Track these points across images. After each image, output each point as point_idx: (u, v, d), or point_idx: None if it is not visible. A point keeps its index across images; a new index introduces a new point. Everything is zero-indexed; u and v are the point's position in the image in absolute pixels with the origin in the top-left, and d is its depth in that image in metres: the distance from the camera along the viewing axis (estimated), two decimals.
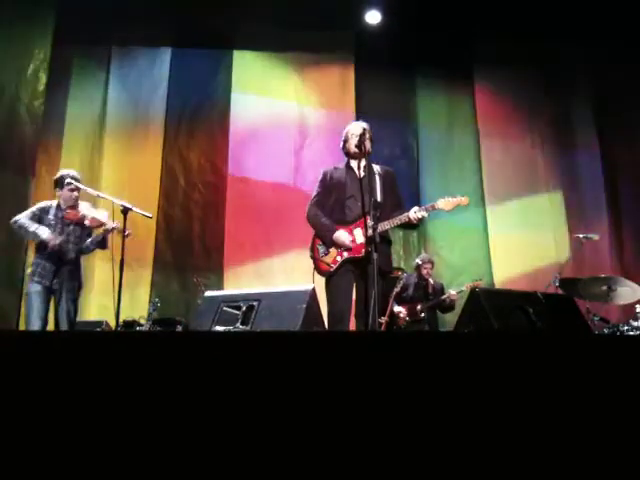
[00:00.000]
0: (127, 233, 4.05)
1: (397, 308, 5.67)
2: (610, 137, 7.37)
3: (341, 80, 7.30)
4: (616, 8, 6.34)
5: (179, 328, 5.48)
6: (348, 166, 3.85)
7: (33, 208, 4.37)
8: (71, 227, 4.30)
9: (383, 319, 5.12)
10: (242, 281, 6.55)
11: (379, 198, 3.64)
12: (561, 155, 7.38)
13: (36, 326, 4.11)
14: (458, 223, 6.76)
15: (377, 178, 3.73)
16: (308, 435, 1.68)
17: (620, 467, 1.68)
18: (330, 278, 3.67)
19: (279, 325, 2.76)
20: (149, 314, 5.62)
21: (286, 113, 7.21)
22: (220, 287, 6.39)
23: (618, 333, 4.57)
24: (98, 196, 4.41)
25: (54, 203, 4.38)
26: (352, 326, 3.70)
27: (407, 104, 7.47)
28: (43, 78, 6.33)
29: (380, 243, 3.39)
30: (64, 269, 4.27)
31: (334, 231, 3.67)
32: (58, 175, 4.42)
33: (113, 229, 4.22)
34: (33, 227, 4.21)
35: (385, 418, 1.70)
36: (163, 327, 5.47)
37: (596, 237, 5.49)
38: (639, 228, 7.06)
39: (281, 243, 6.74)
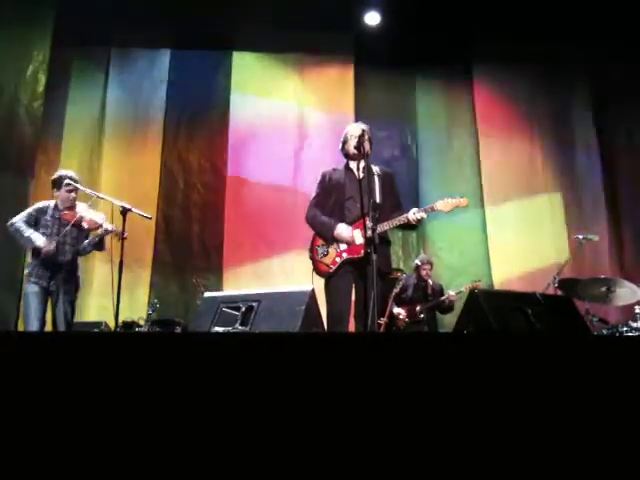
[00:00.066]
0: (124, 236, 4.05)
1: (396, 309, 5.67)
2: (610, 137, 7.37)
3: (340, 81, 7.31)
4: (616, 8, 6.34)
5: (178, 329, 5.48)
6: (347, 167, 3.85)
7: (30, 209, 4.36)
8: (68, 228, 4.29)
9: (382, 320, 5.12)
10: (241, 282, 6.54)
11: (378, 199, 3.65)
12: (560, 155, 7.37)
13: (34, 327, 4.10)
14: (457, 224, 6.76)
15: (376, 179, 3.74)
16: (308, 436, 1.68)
17: (620, 467, 1.68)
18: (329, 279, 3.68)
19: (278, 326, 2.76)
20: (148, 315, 5.62)
21: (285, 114, 7.21)
22: (219, 288, 6.38)
23: (617, 334, 4.57)
24: (97, 197, 4.42)
25: (52, 203, 4.37)
26: (351, 327, 3.70)
27: (406, 105, 7.47)
28: (42, 79, 6.33)
29: (379, 244, 3.38)
30: (61, 270, 4.27)
31: (335, 228, 3.67)
32: (56, 176, 4.41)
33: (110, 231, 4.22)
34: (28, 232, 4.20)
35: (385, 419, 1.70)
36: (162, 328, 5.46)
37: (595, 238, 5.50)
38: (639, 229, 7.06)
39: (280, 244, 6.74)
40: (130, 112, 7.06)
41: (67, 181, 4.30)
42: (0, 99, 6.17)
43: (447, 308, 5.83)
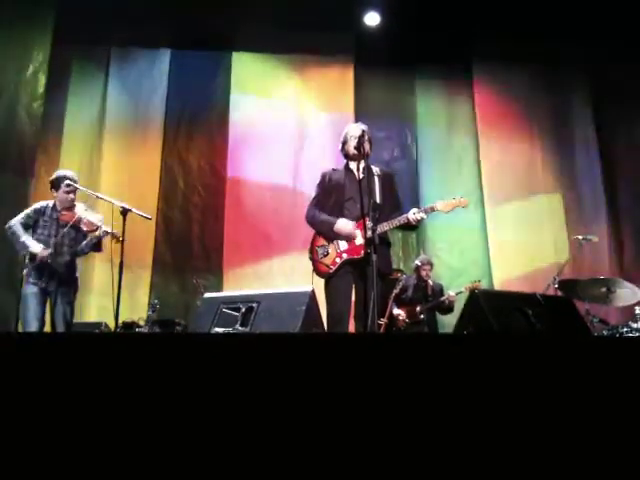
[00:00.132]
0: (121, 239, 4.05)
1: (396, 310, 5.67)
2: (609, 137, 7.37)
3: (340, 81, 7.30)
4: (616, 8, 6.34)
5: (178, 330, 5.47)
6: (347, 168, 3.85)
7: (28, 210, 4.35)
8: (66, 229, 4.29)
9: (382, 321, 5.12)
10: (241, 283, 6.54)
11: (378, 200, 3.65)
12: (560, 156, 7.38)
13: (33, 327, 4.10)
14: (457, 224, 6.76)
15: (376, 180, 3.74)
16: (308, 436, 1.68)
17: (620, 468, 1.68)
18: (329, 280, 3.68)
19: (278, 327, 2.76)
20: (148, 316, 5.62)
21: (285, 114, 7.21)
22: (219, 289, 6.38)
23: (617, 335, 4.57)
24: (98, 197, 4.41)
25: (50, 204, 4.37)
26: (351, 328, 3.70)
27: (406, 105, 7.47)
28: (42, 80, 6.33)
29: (379, 245, 3.38)
30: (59, 271, 4.27)
31: (335, 223, 3.67)
32: (54, 176, 4.41)
33: (108, 233, 4.21)
34: (23, 237, 4.19)
35: (385, 420, 1.70)
36: (162, 329, 5.46)
37: (595, 239, 5.50)
38: (638, 229, 7.06)
39: (280, 245, 6.74)
40: (130, 112, 7.05)
41: (67, 182, 4.30)
42: (0, 99, 6.18)
43: (447, 309, 5.83)
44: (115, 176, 6.77)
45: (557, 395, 1.76)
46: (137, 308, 6.05)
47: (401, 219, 3.62)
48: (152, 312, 5.65)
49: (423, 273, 5.92)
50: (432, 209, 3.65)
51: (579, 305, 3.95)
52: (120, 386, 1.73)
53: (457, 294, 5.70)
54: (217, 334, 2.82)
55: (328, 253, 3.69)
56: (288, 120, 7.20)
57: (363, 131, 3.68)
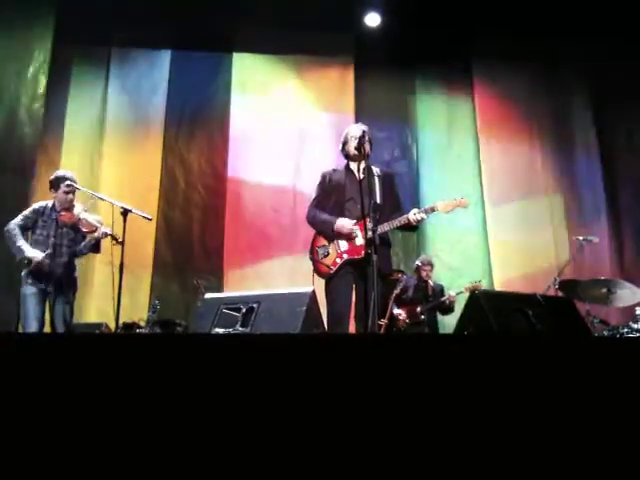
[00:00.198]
0: (120, 240, 4.05)
1: (397, 310, 5.67)
2: (610, 137, 7.36)
3: (341, 82, 7.31)
4: (616, 6, 6.34)
5: (179, 330, 5.47)
6: (347, 168, 3.85)
7: (27, 211, 4.34)
8: (65, 229, 4.28)
9: (383, 321, 5.12)
10: (242, 283, 6.54)
11: (378, 200, 3.65)
12: (560, 156, 7.37)
13: (33, 328, 4.10)
14: (457, 225, 6.76)
15: (376, 180, 3.74)
16: (308, 437, 1.68)
17: (620, 468, 1.68)
18: (330, 280, 3.68)
19: (279, 327, 2.75)
20: (149, 316, 5.61)
21: (286, 115, 7.21)
22: (220, 289, 6.38)
23: (618, 336, 4.56)
24: (98, 198, 4.41)
25: (49, 204, 4.36)
26: (352, 328, 3.70)
27: (406, 105, 7.47)
28: (43, 80, 6.34)
29: (380, 245, 3.39)
30: (58, 272, 4.26)
31: (335, 222, 3.67)
32: (53, 176, 4.40)
33: (106, 235, 4.21)
34: (19, 242, 4.18)
35: (385, 421, 1.70)
36: (163, 329, 5.46)
37: (596, 239, 5.50)
38: (639, 230, 7.05)
39: (281, 245, 6.74)
40: (130, 112, 7.05)
41: (68, 182, 4.30)
42: (0, 99, 6.18)
43: (448, 309, 5.82)
44: (116, 176, 6.77)
45: (557, 396, 1.76)
46: (137, 309, 6.05)
47: (401, 219, 3.62)
48: (152, 313, 5.65)
49: (423, 273, 5.93)
50: (432, 209, 3.65)
51: (579, 306, 3.95)
52: (121, 387, 1.73)
53: (457, 294, 5.70)
54: (217, 335, 2.82)
55: (328, 253, 3.69)
56: (288, 120, 7.19)
57: (363, 132, 3.68)
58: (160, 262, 6.69)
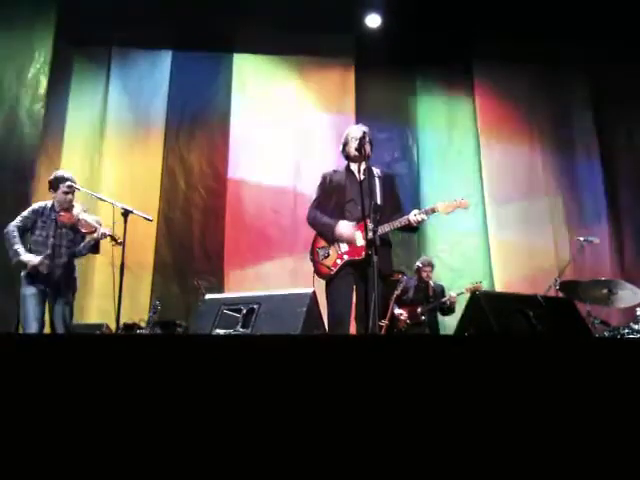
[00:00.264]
0: (119, 241, 4.05)
1: (397, 311, 5.67)
2: (610, 137, 7.37)
3: (341, 83, 7.31)
4: (616, 8, 6.34)
5: (179, 331, 5.47)
6: (348, 169, 3.85)
7: (26, 212, 4.33)
8: (64, 230, 4.28)
9: (383, 322, 5.12)
10: (242, 284, 6.54)
11: (379, 201, 3.65)
12: (561, 157, 7.38)
13: (33, 328, 4.10)
14: (458, 226, 6.76)
15: (377, 181, 3.74)
16: (309, 437, 1.68)
17: (620, 469, 1.68)
18: (330, 281, 3.68)
19: (279, 328, 2.75)
20: (149, 317, 5.62)
21: (286, 116, 7.21)
22: (221, 290, 6.38)
23: (619, 336, 4.56)
24: (98, 198, 4.42)
25: (48, 204, 4.36)
26: (352, 329, 3.70)
27: (407, 107, 7.48)
28: (43, 81, 6.34)
29: (380, 246, 3.38)
30: (57, 272, 4.26)
31: (336, 226, 3.66)
32: (52, 177, 4.40)
33: (105, 235, 4.21)
34: (16, 246, 4.18)
35: (386, 421, 1.70)
36: (163, 330, 5.46)
37: (596, 240, 5.50)
38: (639, 230, 7.05)
39: (281, 246, 6.74)
40: (131, 113, 7.06)
41: (68, 183, 4.30)
42: (1, 101, 6.19)
43: (448, 309, 5.83)
44: (116, 177, 6.78)
45: (558, 396, 1.76)
46: (138, 309, 6.04)
47: (402, 220, 3.61)
48: (153, 313, 5.65)
49: (424, 274, 5.93)
50: (433, 210, 3.64)
51: (580, 306, 3.95)
52: (121, 387, 1.73)
53: (458, 295, 5.70)
54: (218, 335, 2.82)
55: (329, 255, 3.69)
56: (289, 121, 7.20)
57: (364, 133, 3.68)
58: (160, 263, 6.69)
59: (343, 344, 1.91)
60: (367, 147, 3.66)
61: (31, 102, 6.28)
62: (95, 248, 4.42)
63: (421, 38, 6.98)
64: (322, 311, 3.26)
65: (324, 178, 3.88)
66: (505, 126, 7.37)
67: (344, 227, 3.64)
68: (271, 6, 6.45)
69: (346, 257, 3.64)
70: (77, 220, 4.26)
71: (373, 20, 6.90)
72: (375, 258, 3.25)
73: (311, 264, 3.80)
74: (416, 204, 6.28)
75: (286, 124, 7.18)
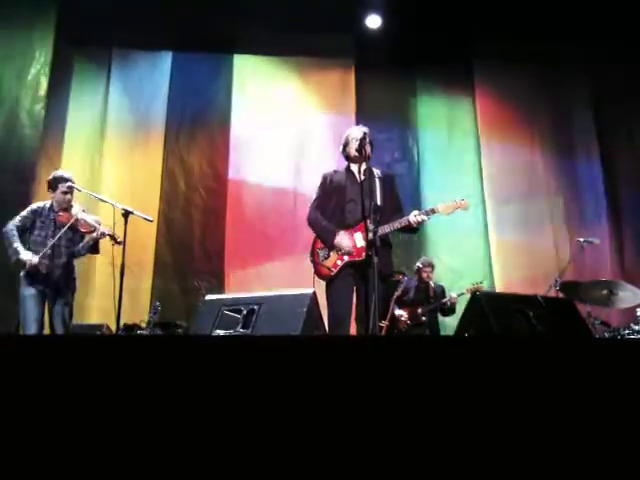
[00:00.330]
0: (119, 240, 4.05)
1: (398, 311, 5.67)
2: (610, 138, 7.37)
3: (342, 83, 7.32)
4: (616, 8, 6.35)
5: (180, 332, 5.47)
6: (348, 170, 3.85)
7: (25, 212, 4.33)
8: (63, 230, 4.28)
9: (384, 323, 5.12)
10: (243, 285, 6.54)
11: (379, 202, 3.65)
12: (561, 157, 7.38)
13: (32, 329, 4.09)
14: (458, 226, 6.76)
15: (377, 182, 3.74)
16: (310, 438, 1.68)
17: (620, 470, 1.68)
18: (330, 282, 3.67)
19: (280, 329, 2.76)
20: (150, 318, 5.62)
21: (286, 117, 7.22)
22: (221, 291, 6.38)
23: (619, 337, 4.56)
24: (99, 199, 4.42)
25: (47, 204, 4.35)
26: (352, 330, 3.70)
27: (407, 107, 7.48)
28: (44, 82, 6.35)
29: (380, 247, 3.38)
30: (57, 272, 4.26)
31: (335, 235, 3.66)
32: (51, 176, 4.40)
33: (105, 235, 4.21)
34: (15, 244, 4.17)
35: (386, 422, 1.70)
36: (164, 331, 5.46)
37: (597, 241, 5.50)
38: (639, 230, 7.05)
39: (282, 247, 6.74)
40: (132, 114, 7.06)
41: (68, 184, 4.30)
42: (1, 102, 6.19)
43: (449, 310, 5.83)
44: (116, 178, 6.78)
45: (558, 397, 1.76)
46: (138, 310, 6.05)
47: (402, 221, 3.61)
48: (153, 314, 5.65)
49: (424, 275, 5.92)
50: (433, 211, 3.64)
51: (580, 307, 3.95)
52: (121, 388, 1.73)
53: (459, 296, 5.70)
54: (218, 336, 2.82)
55: (329, 255, 3.69)
56: (289, 122, 7.21)
57: (364, 134, 3.69)
58: (161, 264, 6.69)
59: (343, 345, 1.91)
60: (367, 148, 3.66)
61: (31, 103, 6.29)
62: (94, 248, 4.41)
63: (421, 38, 6.99)
64: (322, 312, 3.26)
65: (324, 178, 3.88)
66: (505, 126, 7.38)
67: (343, 239, 3.64)
68: (271, 7, 6.45)
69: (346, 258, 3.64)
70: (76, 220, 4.25)
71: (373, 21, 6.90)
72: (375, 259, 3.25)
73: (311, 265, 3.80)
74: (416, 205, 6.29)
75: (286, 125, 7.19)
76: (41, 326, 4.20)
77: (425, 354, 1.84)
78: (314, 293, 2.97)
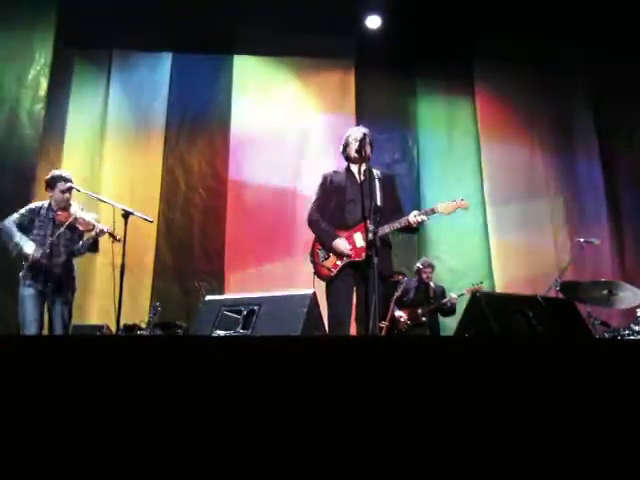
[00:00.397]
0: (118, 237, 4.04)
1: (398, 312, 5.67)
2: (610, 138, 7.37)
3: (342, 84, 7.31)
4: (616, 8, 6.35)
5: (180, 332, 5.47)
6: (348, 170, 3.85)
7: (23, 210, 4.30)
8: (62, 229, 4.27)
9: (384, 323, 5.12)
10: (243, 285, 6.54)
11: (379, 202, 3.65)
12: (561, 157, 7.37)
13: (32, 329, 4.08)
14: (458, 227, 6.76)
15: (377, 182, 3.74)
16: (310, 439, 1.68)
17: (620, 470, 1.68)
18: (330, 283, 3.67)
19: (280, 329, 2.76)
20: (150, 318, 5.62)
21: (287, 117, 7.22)
22: (221, 291, 6.38)
23: (619, 337, 4.56)
24: (98, 199, 4.41)
25: (45, 204, 4.34)
26: (353, 330, 3.70)
27: (407, 107, 7.48)
28: (44, 83, 6.35)
29: (381, 247, 3.38)
30: (56, 272, 4.25)
31: (333, 238, 3.67)
32: (49, 176, 4.38)
33: (104, 232, 4.20)
34: (16, 238, 4.14)
35: (386, 423, 1.70)
36: (164, 331, 5.46)
37: (597, 241, 5.49)
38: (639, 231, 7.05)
39: (282, 248, 6.74)
40: (132, 115, 7.06)
41: (68, 185, 4.29)
42: (2, 103, 6.19)
43: (449, 311, 5.83)
44: (117, 179, 6.78)
45: (558, 397, 1.76)
46: (138, 311, 6.05)
47: (402, 221, 3.61)
48: (153, 315, 5.65)
49: (424, 275, 5.93)
50: (433, 211, 3.64)
51: (580, 307, 3.95)
52: (121, 388, 1.73)
53: (459, 296, 5.70)
54: (218, 337, 2.82)
55: (329, 256, 3.69)
56: (289, 123, 7.21)
57: (364, 134, 3.69)
58: (161, 264, 6.69)
59: (343, 345, 1.91)
60: (367, 148, 3.66)
61: (31, 103, 6.29)
62: (94, 246, 4.40)
63: (421, 39, 6.99)
64: (322, 312, 3.27)
65: (324, 179, 3.88)
66: (505, 126, 7.37)
67: (340, 245, 3.64)
68: (271, 7, 6.45)
69: (346, 258, 3.64)
70: (74, 218, 4.25)
71: (373, 21, 6.91)
72: (375, 259, 3.25)
73: (311, 265, 3.80)
74: (416, 205, 6.30)
75: (286, 125, 7.19)
76: (40, 326, 4.19)
77: (425, 355, 1.84)
78: (314, 294, 2.97)
